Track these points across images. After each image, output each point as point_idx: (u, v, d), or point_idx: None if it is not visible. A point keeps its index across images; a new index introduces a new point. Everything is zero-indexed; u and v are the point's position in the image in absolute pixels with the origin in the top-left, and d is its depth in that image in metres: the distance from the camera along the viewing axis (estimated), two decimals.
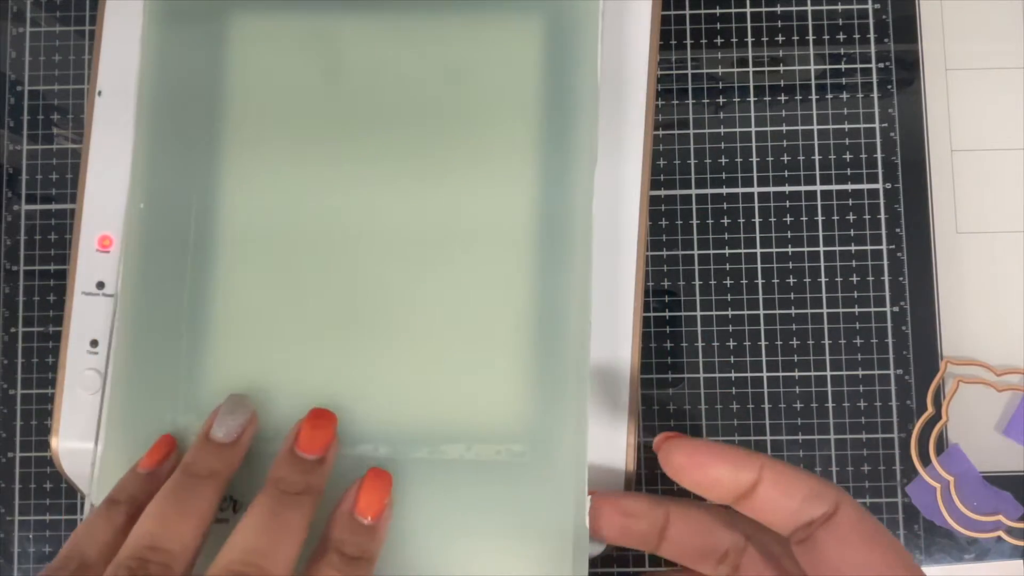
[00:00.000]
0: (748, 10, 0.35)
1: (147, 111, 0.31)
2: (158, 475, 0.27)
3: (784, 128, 0.35)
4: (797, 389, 0.34)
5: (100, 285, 0.31)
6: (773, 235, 0.34)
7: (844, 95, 0.35)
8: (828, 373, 0.34)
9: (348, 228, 0.30)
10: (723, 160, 0.35)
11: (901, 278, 0.34)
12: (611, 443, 0.30)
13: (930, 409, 0.33)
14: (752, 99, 0.35)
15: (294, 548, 0.24)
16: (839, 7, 0.35)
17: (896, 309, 0.34)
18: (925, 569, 0.33)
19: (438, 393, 0.30)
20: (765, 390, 0.34)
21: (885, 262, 0.34)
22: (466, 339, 0.30)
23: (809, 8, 0.35)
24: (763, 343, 0.34)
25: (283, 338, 0.30)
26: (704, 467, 0.25)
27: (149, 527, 0.24)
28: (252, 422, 0.28)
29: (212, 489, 0.26)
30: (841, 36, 0.35)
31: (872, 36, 0.35)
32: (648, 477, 0.34)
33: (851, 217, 0.34)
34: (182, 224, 0.31)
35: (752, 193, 0.34)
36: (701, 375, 0.34)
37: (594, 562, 0.33)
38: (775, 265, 0.34)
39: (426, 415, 0.29)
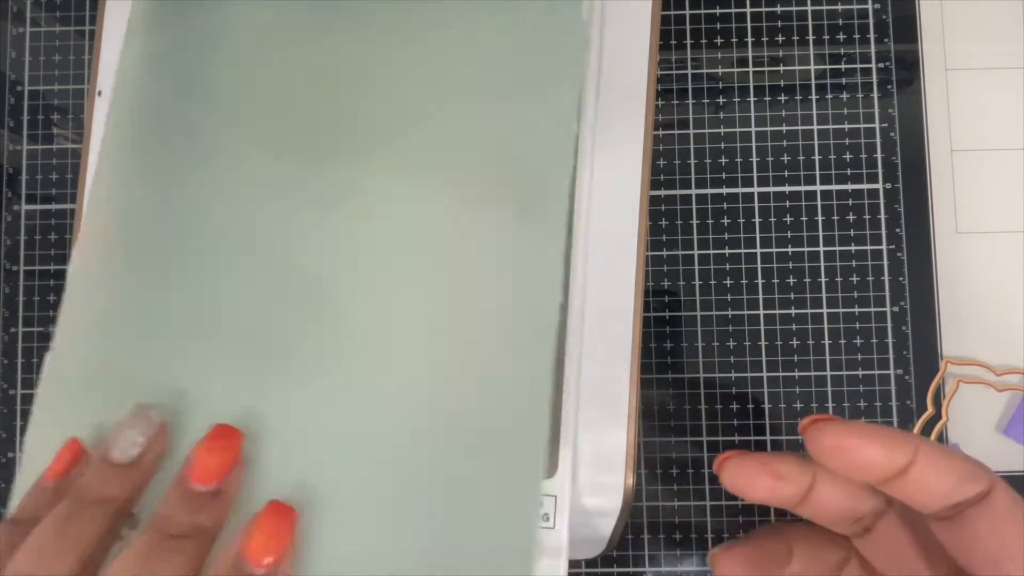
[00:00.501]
0: (748, 10, 0.35)
1: (125, 108, 0.31)
2: (66, 488, 0.23)
3: (784, 128, 0.35)
4: (797, 389, 0.34)
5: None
6: (773, 235, 0.34)
7: (844, 95, 0.35)
8: (828, 373, 0.34)
9: (349, 229, 0.30)
10: (723, 160, 0.35)
11: (901, 278, 0.34)
12: (611, 443, 0.30)
13: (930, 409, 0.33)
14: (752, 99, 0.35)
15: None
16: (839, 7, 0.35)
17: (896, 309, 0.34)
18: None
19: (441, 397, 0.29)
20: (765, 390, 0.34)
21: (885, 262, 0.34)
22: (469, 342, 0.30)
23: (809, 8, 0.35)
24: (763, 343, 0.34)
25: (284, 341, 0.30)
26: (857, 449, 0.23)
27: (25, 558, 0.21)
28: (159, 438, 0.24)
29: (101, 518, 0.22)
30: (841, 36, 0.35)
31: (872, 36, 0.35)
32: (648, 477, 0.34)
33: (851, 217, 0.34)
34: (186, 221, 0.30)
35: (752, 193, 0.34)
36: (701, 375, 0.34)
37: (593, 562, 0.33)
38: (775, 265, 0.34)
39: (397, 424, 0.29)
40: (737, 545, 0.28)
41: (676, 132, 0.35)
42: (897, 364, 0.34)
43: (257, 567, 0.21)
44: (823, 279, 0.34)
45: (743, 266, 0.34)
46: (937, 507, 0.24)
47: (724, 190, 0.34)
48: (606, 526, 0.30)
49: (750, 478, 0.26)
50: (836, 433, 0.24)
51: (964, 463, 0.23)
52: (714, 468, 0.26)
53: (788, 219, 0.34)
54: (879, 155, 0.34)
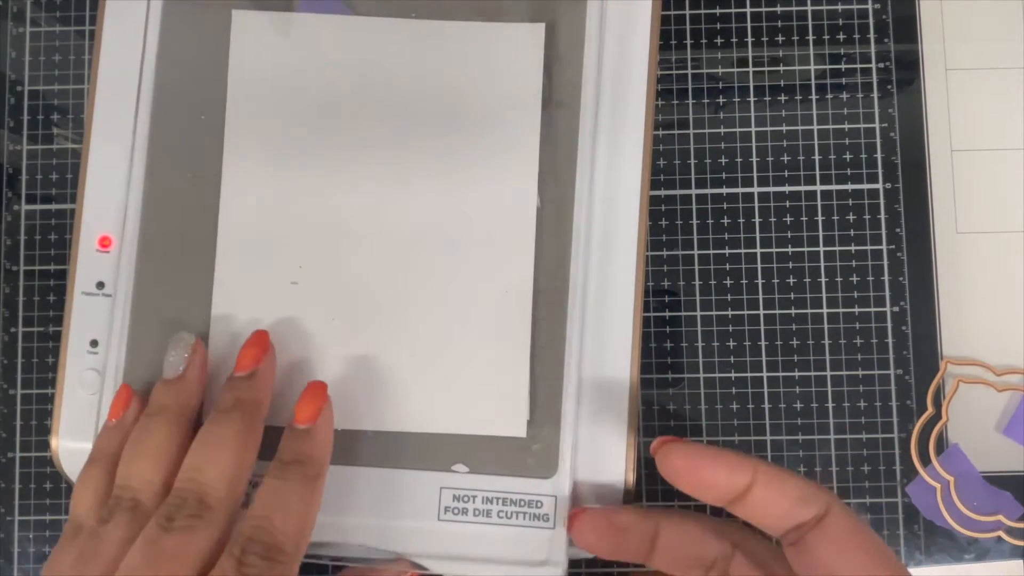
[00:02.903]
0: (748, 10, 0.35)
1: (151, 108, 0.31)
2: (124, 424, 0.29)
3: (784, 128, 0.35)
4: (797, 389, 0.34)
5: (100, 285, 0.31)
6: (773, 235, 0.34)
7: (844, 95, 0.35)
8: (828, 373, 0.34)
9: (349, 228, 0.30)
10: (723, 160, 0.34)
11: (901, 278, 0.34)
12: (611, 443, 0.30)
13: (930, 409, 0.33)
14: (752, 99, 0.35)
15: (225, 458, 0.26)
16: (839, 7, 0.35)
17: (896, 309, 0.34)
18: (925, 569, 0.33)
19: (436, 393, 0.30)
20: (765, 390, 0.34)
21: (885, 262, 0.34)
22: (465, 341, 0.30)
23: (809, 8, 0.35)
24: (763, 343, 0.34)
25: (283, 337, 0.30)
26: (700, 470, 0.25)
27: (120, 472, 0.27)
28: (196, 352, 0.29)
29: (164, 424, 0.27)
30: (841, 36, 0.35)
31: (872, 36, 0.35)
32: (648, 477, 0.34)
33: (851, 217, 0.34)
34: (183, 223, 0.31)
35: (752, 193, 0.34)
36: (701, 375, 0.34)
37: (593, 562, 0.33)
38: (775, 265, 0.34)
39: (422, 416, 0.29)
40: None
41: (676, 132, 0.35)
42: (897, 364, 0.34)
43: (301, 424, 0.27)
44: (823, 279, 0.34)
45: (743, 266, 0.34)
46: (781, 528, 0.25)
47: (724, 190, 0.34)
48: None
49: (597, 534, 0.28)
50: (682, 454, 0.25)
51: (800, 485, 0.25)
52: (566, 528, 0.28)
53: (788, 219, 0.34)
54: (879, 155, 0.34)
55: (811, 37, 0.35)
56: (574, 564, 0.33)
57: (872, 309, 0.34)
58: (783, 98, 0.35)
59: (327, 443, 0.28)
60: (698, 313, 0.34)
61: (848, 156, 0.34)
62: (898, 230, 0.34)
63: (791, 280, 0.34)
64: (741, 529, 0.27)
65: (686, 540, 0.27)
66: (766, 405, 0.34)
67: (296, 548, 0.25)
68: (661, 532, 0.27)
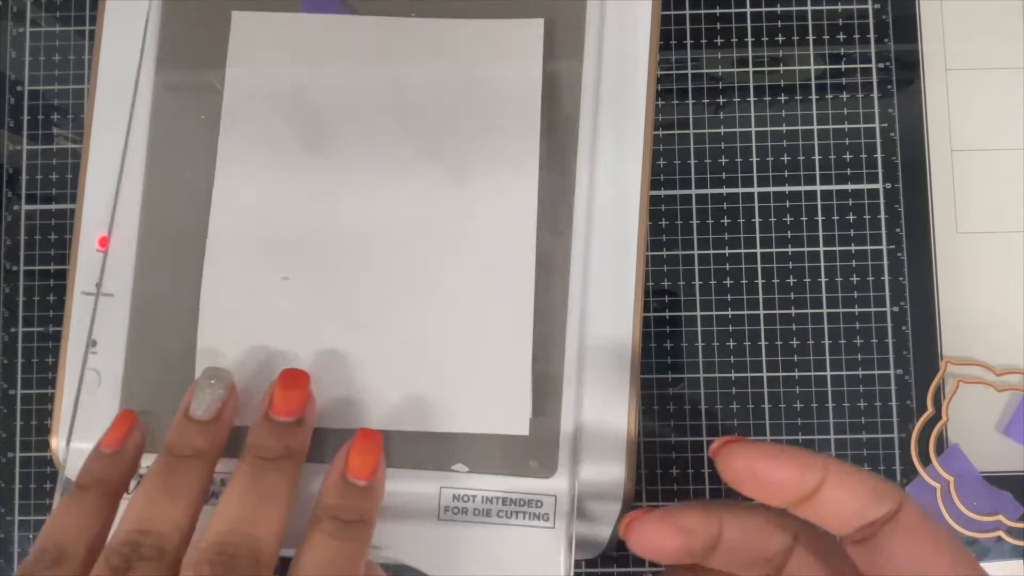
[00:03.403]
0: (748, 10, 0.35)
1: (150, 108, 0.31)
2: (123, 454, 0.27)
3: (784, 128, 0.35)
4: (797, 389, 0.34)
5: (100, 285, 0.31)
6: (773, 235, 0.34)
7: (844, 95, 0.35)
8: (828, 373, 0.34)
9: (348, 226, 0.30)
10: (723, 160, 0.35)
11: (901, 278, 0.34)
12: (611, 442, 0.30)
13: (930, 409, 0.33)
14: (752, 99, 0.35)
15: (279, 513, 0.24)
16: (839, 7, 0.35)
17: (896, 309, 0.34)
18: None
19: (437, 392, 0.30)
20: (765, 390, 0.34)
21: (885, 262, 0.34)
22: (470, 340, 0.30)
23: (809, 8, 0.35)
24: (763, 343, 0.34)
25: (281, 336, 0.30)
26: (770, 472, 0.23)
27: (138, 512, 0.24)
28: (232, 396, 0.27)
29: (198, 468, 0.25)
30: (841, 36, 0.35)
31: (872, 36, 0.35)
32: (648, 477, 0.34)
33: (851, 217, 0.34)
34: (183, 222, 0.31)
35: (752, 193, 0.34)
36: (701, 375, 0.34)
37: (593, 562, 0.33)
38: (775, 265, 0.34)
39: (423, 415, 0.29)
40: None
41: (676, 132, 0.35)
42: (897, 364, 0.34)
43: (360, 480, 0.26)
44: (823, 279, 0.34)
45: (743, 266, 0.34)
46: (848, 528, 0.23)
47: (724, 190, 0.34)
48: (606, 526, 0.30)
49: (658, 540, 0.25)
50: (748, 455, 0.23)
51: (873, 481, 0.23)
52: (621, 533, 0.25)
53: (788, 219, 0.34)
54: (879, 155, 0.34)
55: (811, 37, 0.35)
56: (574, 564, 0.33)
57: (872, 309, 0.34)
58: (783, 98, 0.35)
59: (380, 502, 0.26)
60: (698, 313, 0.34)
61: (848, 156, 0.34)
62: (898, 230, 0.34)
63: (791, 280, 0.34)
64: (802, 520, 0.25)
65: (750, 536, 0.25)
66: (766, 405, 0.34)
67: None
68: (725, 529, 0.25)
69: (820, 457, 0.23)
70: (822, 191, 0.34)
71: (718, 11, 0.35)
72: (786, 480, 0.23)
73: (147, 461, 0.29)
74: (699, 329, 0.34)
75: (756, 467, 0.23)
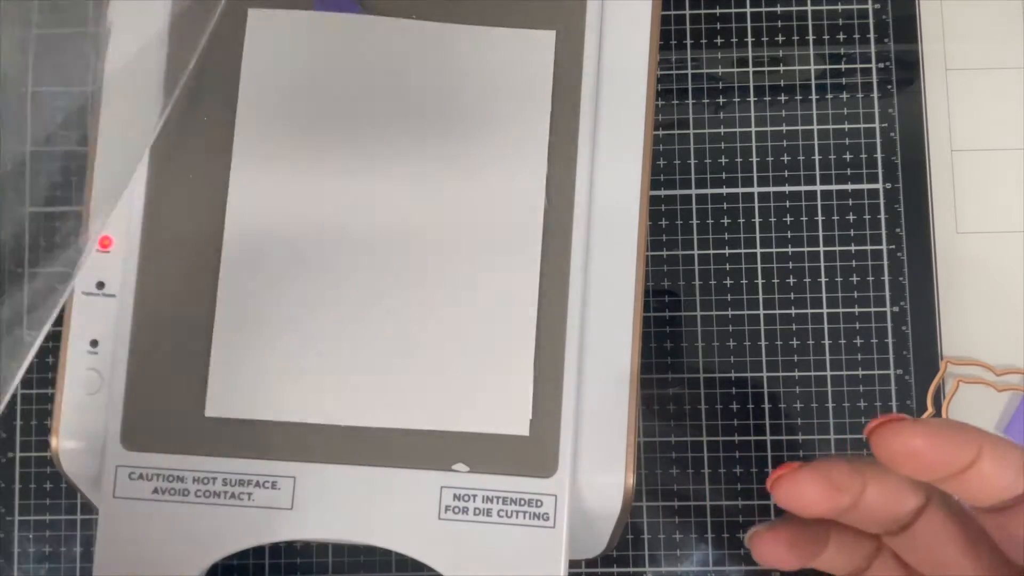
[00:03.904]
0: (748, 10, 0.35)
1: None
2: None
3: (784, 128, 0.35)
4: (797, 389, 0.34)
5: (100, 285, 0.31)
6: (773, 235, 0.34)
7: (844, 95, 0.35)
8: (828, 373, 0.34)
9: (356, 225, 0.30)
10: (723, 160, 0.35)
11: (901, 278, 0.34)
12: (611, 442, 0.30)
13: (930, 409, 0.33)
14: (752, 99, 0.35)
15: None
16: (839, 7, 0.35)
17: (896, 309, 0.34)
18: None
19: (438, 391, 0.30)
20: (765, 390, 0.34)
21: (885, 262, 0.34)
22: (472, 339, 0.30)
23: (809, 8, 0.35)
24: (763, 343, 0.34)
25: (284, 334, 0.30)
26: (927, 451, 0.22)
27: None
28: None
29: None
30: (841, 36, 0.35)
31: (872, 36, 0.35)
32: (648, 477, 0.34)
33: (851, 217, 0.34)
34: (185, 223, 0.31)
35: (752, 193, 0.34)
36: (701, 375, 0.34)
37: (593, 562, 0.33)
38: (775, 265, 0.34)
39: (424, 413, 0.29)
40: (779, 524, 0.28)
41: (676, 132, 0.35)
42: (897, 364, 0.34)
43: None
44: (823, 279, 0.34)
45: (743, 266, 0.34)
46: (995, 501, 0.23)
47: (724, 190, 0.34)
48: (606, 526, 0.30)
49: (810, 495, 0.24)
50: (906, 434, 0.22)
51: (1022, 456, 0.23)
52: (767, 485, 0.25)
53: (788, 219, 0.34)
54: (879, 155, 0.34)
55: (811, 37, 0.35)
56: (574, 564, 0.33)
57: (872, 309, 0.34)
58: (783, 98, 0.35)
59: None
60: (698, 313, 0.34)
61: (848, 156, 0.34)
62: (898, 230, 0.34)
63: (791, 280, 0.34)
64: (934, 487, 0.24)
65: (888, 496, 0.24)
66: (766, 405, 0.34)
67: None
68: (868, 487, 0.24)
69: (975, 432, 0.23)
70: (822, 191, 0.34)
71: (718, 11, 0.35)
72: (944, 459, 0.22)
73: (153, 460, 0.29)
74: (699, 329, 0.34)
75: (915, 447, 0.22)
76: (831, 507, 0.24)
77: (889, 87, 0.35)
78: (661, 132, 0.35)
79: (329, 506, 0.29)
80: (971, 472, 0.22)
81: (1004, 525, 0.23)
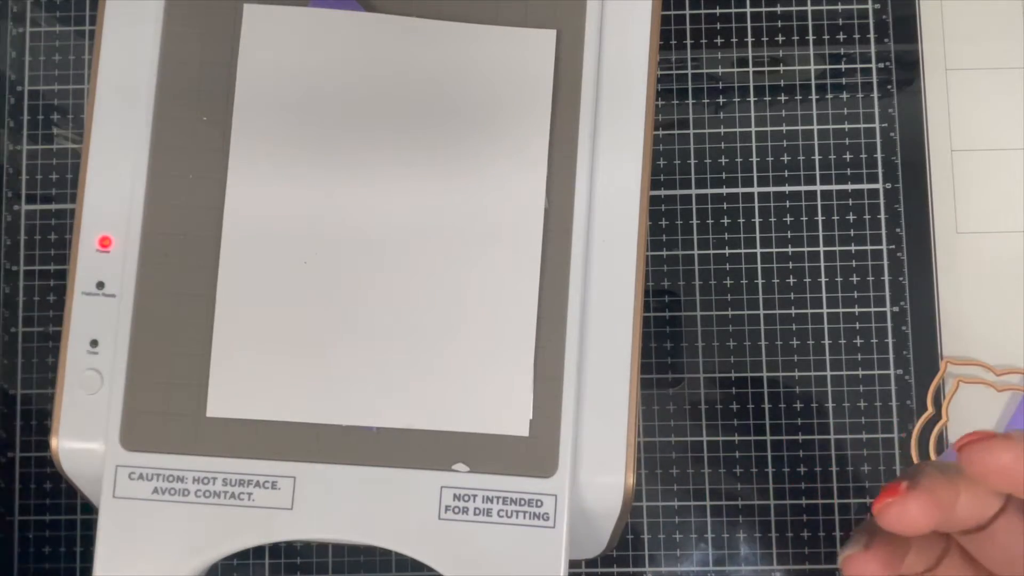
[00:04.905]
0: (748, 10, 0.35)
1: (159, 107, 0.31)
2: None
3: (784, 128, 0.35)
4: (797, 389, 0.34)
5: (100, 285, 0.31)
6: (773, 235, 0.34)
7: (844, 95, 0.35)
8: (828, 373, 0.34)
9: (355, 224, 0.30)
10: (723, 160, 0.35)
11: (901, 278, 0.34)
12: (611, 443, 0.30)
13: (930, 409, 0.33)
14: (752, 99, 0.35)
15: None
16: (839, 7, 0.35)
17: (896, 309, 0.34)
18: None
19: (438, 391, 0.30)
20: (765, 390, 0.34)
21: (885, 262, 0.34)
22: (472, 339, 0.30)
23: (809, 8, 0.35)
24: (763, 343, 0.34)
25: (285, 334, 0.30)
26: (1017, 465, 0.22)
27: None
28: None
29: None
30: (841, 36, 0.35)
31: (872, 36, 0.35)
32: (648, 477, 0.34)
33: (851, 217, 0.34)
34: (184, 223, 0.31)
35: (752, 193, 0.34)
36: (701, 375, 0.34)
37: (593, 562, 0.33)
38: (775, 265, 0.34)
39: (424, 413, 0.29)
40: (874, 544, 0.27)
41: (676, 132, 0.35)
42: (897, 364, 0.34)
43: None
44: (823, 279, 0.34)
45: (743, 266, 0.34)
46: None
47: (724, 190, 0.34)
48: (606, 526, 0.30)
49: (918, 518, 0.24)
50: (998, 452, 0.23)
51: None
52: (873, 510, 0.24)
53: (788, 219, 0.34)
54: (879, 155, 0.34)
55: (811, 37, 0.35)
56: (574, 564, 0.33)
57: (872, 309, 0.34)
58: (783, 98, 0.35)
59: None
60: (698, 313, 0.34)
61: (848, 156, 0.34)
62: (898, 230, 0.34)
63: (791, 280, 0.34)
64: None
65: (978, 502, 0.24)
66: (766, 405, 0.34)
67: None
68: (960, 497, 0.24)
69: None
70: (822, 191, 0.34)
71: (718, 11, 0.35)
72: None
73: (153, 460, 0.29)
74: (699, 329, 0.34)
75: (1005, 463, 0.23)
76: (934, 525, 0.24)
77: (889, 87, 0.35)
78: (661, 132, 0.35)
79: (329, 506, 0.29)
80: None
81: None
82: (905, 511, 0.23)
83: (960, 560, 0.26)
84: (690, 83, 0.35)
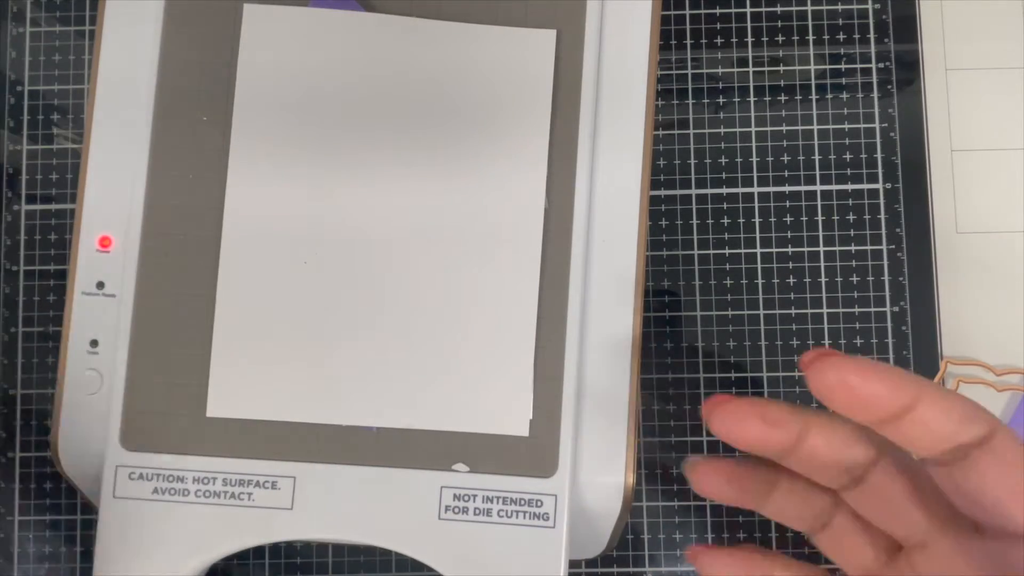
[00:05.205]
0: (748, 10, 0.35)
1: (159, 107, 0.31)
2: None
3: (784, 128, 0.35)
4: (797, 389, 0.34)
5: (100, 285, 0.31)
6: (773, 235, 0.34)
7: (844, 95, 0.35)
8: None
9: (355, 225, 0.30)
10: (723, 160, 0.35)
11: (901, 278, 0.34)
12: (611, 443, 0.30)
13: None
14: (752, 99, 0.35)
15: None
16: (839, 7, 0.35)
17: (896, 309, 0.34)
18: None
19: (439, 391, 0.30)
20: (765, 390, 0.34)
21: (885, 262, 0.34)
22: (472, 339, 0.30)
23: (809, 8, 0.35)
24: (763, 343, 0.34)
25: (285, 334, 0.30)
26: (862, 387, 0.22)
27: None
28: None
29: None
30: (841, 36, 0.35)
31: (872, 36, 0.35)
32: (648, 477, 0.34)
33: (851, 217, 0.34)
34: (185, 223, 0.31)
35: (752, 193, 0.34)
36: (701, 375, 0.34)
37: (593, 562, 0.33)
38: (775, 265, 0.34)
39: (424, 413, 0.29)
40: (722, 457, 0.28)
41: (676, 132, 0.35)
42: (897, 364, 0.34)
43: None
44: (823, 279, 0.34)
45: (743, 266, 0.34)
46: (937, 450, 0.22)
47: (724, 190, 0.34)
48: (606, 526, 0.30)
49: (741, 423, 0.24)
50: (841, 369, 0.22)
51: (967, 405, 0.22)
52: (703, 414, 0.25)
53: (788, 219, 0.34)
54: (879, 155, 0.34)
55: (811, 37, 0.35)
56: (574, 564, 0.33)
57: (872, 309, 0.34)
58: (783, 98, 0.35)
59: None
60: (698, 313, 0.34)
61: (848, 156, 0.34)
62: (898, 230, 0.34)
63: (791, 280, 0.34)
64: (887, 440, 0.24)
65: (833, 445, 0.24)
66: None
67: None
68: (810, 432, 0.24)
69: (915, 378, 0.22)
70: (822, 191, 0.34)
71: (718, 11, 0.35)
72: (879, 396, 0.22)
73: (153, 460, 0.29)
74: (699, 329, 0.34)
75: (850, 381, 0.22)
76: (767, 442, 0.24)
77: (889, 87, 0.35)
78: (661, 132, 0.35)
79: (329, 506, 0.29)
80: (910, 418, 0.22)
81: (951, 477, 0.22)
82: (730, 414, 0.24)
83: (852, 523, 0.25)
84: (690, 83, 0.35)
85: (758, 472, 0.27)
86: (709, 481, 0.27)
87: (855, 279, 0.34)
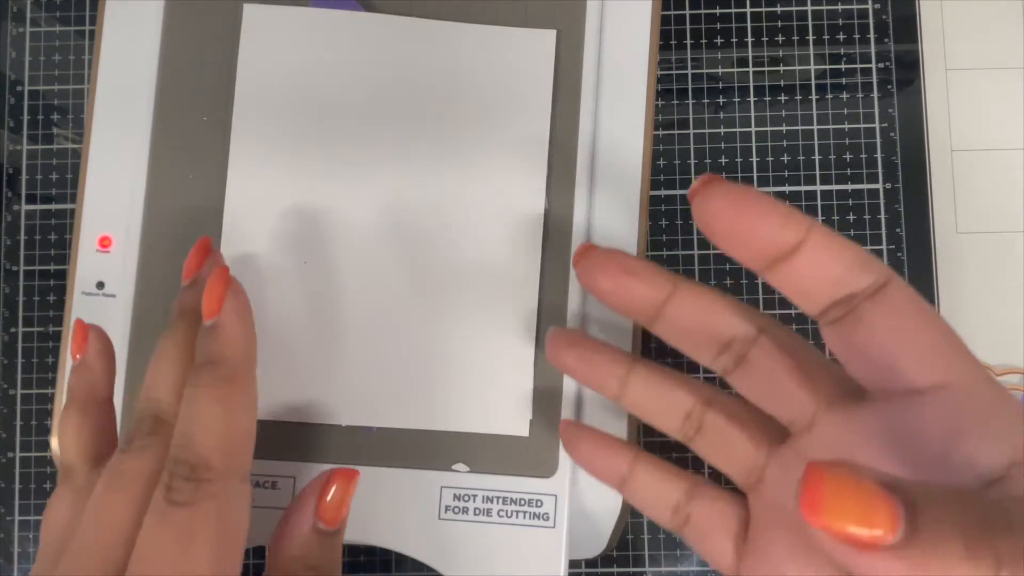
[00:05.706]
0: (748, 10, 0.35)
1: (159, 107, 0.31)
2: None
3: (784, 128, 0.35)
4: None
5: (100, 285, 0.31)
6: None
7: (844, 95, 0.35)
8: None
9: (355, 225, 0.30)
10: (723, 160, 0.35)
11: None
12: None
13: None
14: (752, 99, 0.35)
15: (172, 372, 0.25)
16: (839, 7, 0.35)
17: None
18: None
19: (439, 391, 0.30)
20: None
21: (885, 262, 0.34)
22: (473, 340, 0.30)
23: (809, 8, 0.35)
24: None
25: (286, 333, 0.30)
26: (744, 217, 0.21)
27: (146, 379, 0.25)
28: (198, 257, 0.27)
29: (185, 326, 0.26)
30: (841, 36, 0.35)
31: (872, 36, 0.35)
32: None
33: (851, 217, 0.34)
34: (184, 223, 0.31)
35: None
36: (701, 375, 0.34)
37: (593, 562, 0.33)
38: None
39: (425, 413, 0.29)
40: (576, 333, 0.27)
41: (676, 132, 0.35)
42: None
43: (205, 318, 0.25)
44: None
45: (743, 266, 0.34)
46: (825, 300, 0.21)
47: None
48: (606, 526, 0.30)
49: (603, 270, 0.24)
50: (727, 196, 0.21)
51: (857, 250, 0.21)
52: (572, 262, 0.25)
53: None
54: (879, 155, 0.34)
55: (811, 37, 0.35)
56: (574, 564, 0.33)
57: None
58: (783, 98, 0.35)
59: (237, 337, 0.24)
60: None
61: (848, 156, 0.34)
62: (898, 230, 0.34)
63: None
64: (770, 317, 0.23)
65: (703, 310, 0.23)
66: None
67: (225, 461, 0.22)
68: (676, 293, 0.23)
69: (806, 217, 0.21)
70: (822, 191, 0.34)
71: (718, 11, 0.35)
72: (764, 231, 0.21)
73: None
74: None
75: (733, 211, 0.21)
76: (630, 295, 0.24)
77: (889, 87, 0.35)
78: (661, 132, 0.35)
79: None
80: (796, 259, 0.21)
81: (845, 336, 0.21)
82: (592, 257, 0.24)
83: (725, 423, 0.25)
84: (690, 83, 0.35)
85: (614, 354, 0.26)
86: (559, 351, 0.26)
87: None
